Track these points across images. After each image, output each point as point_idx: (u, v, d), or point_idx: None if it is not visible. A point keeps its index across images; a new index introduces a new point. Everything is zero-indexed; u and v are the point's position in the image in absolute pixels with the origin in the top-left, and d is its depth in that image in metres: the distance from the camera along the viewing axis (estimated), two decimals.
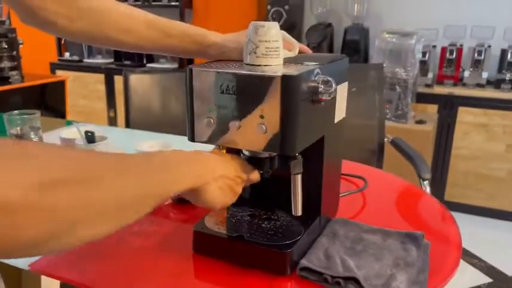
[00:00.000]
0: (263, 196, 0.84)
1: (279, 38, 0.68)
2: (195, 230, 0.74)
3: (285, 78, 0.60)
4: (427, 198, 1.02)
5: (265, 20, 2.81)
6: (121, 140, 1.43)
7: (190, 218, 0.90)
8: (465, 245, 2.39)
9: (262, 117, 0.62)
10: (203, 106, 0.66)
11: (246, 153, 0.72)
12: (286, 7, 2.85)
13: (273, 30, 0.67)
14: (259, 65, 0.67)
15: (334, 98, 0.74)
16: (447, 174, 2.63)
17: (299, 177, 0.70)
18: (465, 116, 2.53)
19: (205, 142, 0.67)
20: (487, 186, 2.55)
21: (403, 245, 0.76)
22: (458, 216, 2.78)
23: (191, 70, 0.65)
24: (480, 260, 2.16)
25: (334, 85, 0.65)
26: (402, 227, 0.82)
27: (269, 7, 2.89)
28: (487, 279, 2.02)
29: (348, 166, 1.16)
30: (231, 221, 0.78)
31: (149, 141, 1.10)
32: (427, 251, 0.74)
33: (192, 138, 0.68)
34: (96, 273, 0.71)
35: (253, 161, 0.72)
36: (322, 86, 0.64)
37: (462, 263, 2.16)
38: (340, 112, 0.80)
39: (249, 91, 0.62)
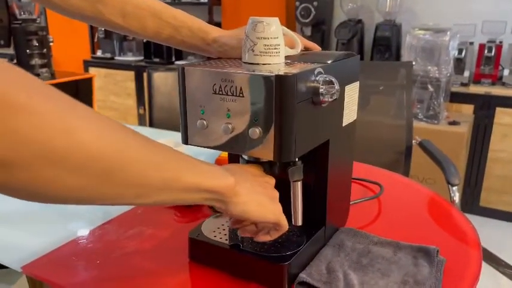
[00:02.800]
0: None
1: (279, 34, 0.64)
2: (190, 236, 0.71)
3: (280, 78, 0.55)
4: (448, 208, 0.94)
5: (294, 17, 2.74)
6: None
7: (192, 221, 0.87)
8: (500, 254, 2.26)
9: (256, 120, 0.57)
10: (196, 107, 0.62)
11: (245, 157, 0.68)
12: (315, 3, 2.77)
13: (272, 26, 0.63)
14: (258, 64, 0.63)
15: (341, 100, 0.69)
16: (483, 178, 2.48)
17: (299, 184, 0.65)
18: (503, 117, 2.38)
19: (199, 145, 0.64)
20: None
21: (415, 260, 0.70)
22: (493, 223, 2.64)
23: (183, 69, 0.62)
24: None
25: (337, 86, 0.60)
26: (417, 239, 0.75)
27: (297, 3, 2.82)
28: None
29: (365, 170, 1.10)
30: (230, 228, 0.74)
31: (159, 140, 1.08)
32: (441, 268, 0.68)
33: (185, 141, 0.65)
34: (86, 278, 0.69)
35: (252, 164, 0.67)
36: (324, 87, 0.59)
37: (495, 273, 2.04)
38: (349, 114, 0.74)
39: (242, 92, 0.57)
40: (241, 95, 0.58)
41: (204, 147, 0.64)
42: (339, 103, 0.69)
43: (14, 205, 0.93)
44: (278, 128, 0.56)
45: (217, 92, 0.59)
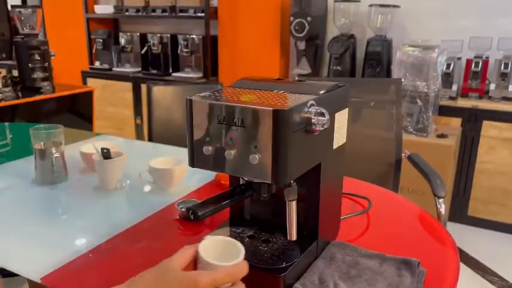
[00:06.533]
0: (264, 218, 0.87)
1: None
2: None
3: (277, 112, 0.62)
4: (431, 221, 1.02)
5: (288, 31, 2.81)
6: (138, 155, 1.49)
7: (196, 234, 0.94)
8: (487, 262, 2.34)
9: (255, 147, 0.65)
10: (202, 134, 0.69)
11: (245, 177, 0.75)
12: (309, 18, 2.87)
13: None
14: None
15: (331, 126, 0.77)
16: (470, 189, 2.57)
17: (294, 203, 0.73)
18: (490, 130, 2.47)
19: (204, 168, 0.71)
20: None
21: (399, 271, 0.77)
22: (481, 232, 2.73)
23: (191, 101, 0.69)
24: (501, 278, 2.11)
25: (327, 116, 0.68)
26: (401, 251, 0.83)
27: (292, 18, 2.91)
28: None
29: (355, 185, 1.17)
30: None
31: (162, 158, 1.15)
32: (422, 279, 0.75)
33: (192, 164, 0.72)
34: None
35: (251, 185, 0.75)
36: (316, 118, 0.67)
37: (483, 281, 2.12)
38: (339, 138, 0.82)
39: (244, 123, 0.65)
40: (242, 125, 0.65)
41: (209, 170, 0.71)
42: (329, 129, 0.76)
43: (24, 219, 1.00)
44: (275, 154, 0.64)
45: (221, 122, 0.67)
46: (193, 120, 0.70)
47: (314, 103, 0.69)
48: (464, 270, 2.16)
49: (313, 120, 0.67)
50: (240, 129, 0.65)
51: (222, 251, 0.64)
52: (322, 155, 0.76)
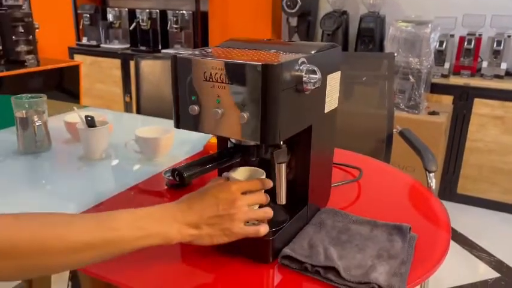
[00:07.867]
0: None
1: None
2: None
3: (266, 67, 0.59)
4: (422, 190, 1.00)
5: (280, 7, 2.75)
6: (125, 126, 1.45)
7: None
8: (475, 239, 2.35)
9: (243, 105, 0.62)
10: (188, 93, 0.66)
11: (233, 140, 0.73)
12: None
13: None
14: None
15: (323, 88, 0.74)
16: (460, 166, 2.58)
17: (283, 166, 0.70)
18: (481, 107, 2.46)
19: (190, 129, 0.68)
20: (502, 180, 2.50)
21: (390, 236, 0.76)
22: (470, 209, 2.74)
23: (175, 57, 0.66)
24: (489, 254, 2.13)
25: (319, 74, 0.65)
26: (393, 218, 0.81)
27: None
28: (494, 274, 1.99)
29: (346, 156, 1.15)
30: None
31: (149, 127, 1.12)
32: (413, 244, 0.74)
33: (177, 125, 0.69)
34: None
35: (240, 148, 0.72)
36: (307, 76, 0.64)
37: (470, 256, 2.14)
38: (331, 102, 0.79)
39: (231, 79, 0.62)
40: (230, 82, 0.62)
41: (195, 131, 0.68)
42: (321, 91, 0.74)
43: (5, 189, 0.96)
44: (264, 113, 0.61)
45: (207, 80, 0.64)
46: (178, 78, 0.66)
47: (305, 61, 0.66)
48: (453, 247, 2.18)
49: (304, 78, 0.64)
50: (227, 86, 0.62)
51: (248, 176, 0.74)
52: (314, 117, 0.73)
